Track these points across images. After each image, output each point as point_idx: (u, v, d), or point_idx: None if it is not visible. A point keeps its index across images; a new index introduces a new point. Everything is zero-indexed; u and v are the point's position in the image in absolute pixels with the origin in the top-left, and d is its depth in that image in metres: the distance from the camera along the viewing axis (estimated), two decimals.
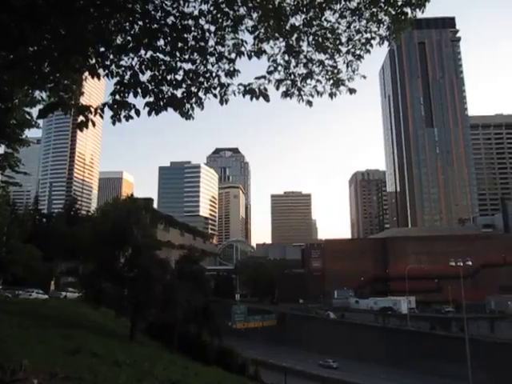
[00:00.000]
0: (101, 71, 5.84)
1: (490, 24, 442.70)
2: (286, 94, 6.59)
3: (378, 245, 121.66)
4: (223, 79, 6.11)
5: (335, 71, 6.50)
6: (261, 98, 6.11)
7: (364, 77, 6.56)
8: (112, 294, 26.78)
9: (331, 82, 6.51)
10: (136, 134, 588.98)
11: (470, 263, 64.70)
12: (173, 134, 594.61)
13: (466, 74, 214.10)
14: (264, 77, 6.23)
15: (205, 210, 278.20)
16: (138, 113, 5.66)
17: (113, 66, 5.74)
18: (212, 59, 6.07)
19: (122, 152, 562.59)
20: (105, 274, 26.85)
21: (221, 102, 6.21)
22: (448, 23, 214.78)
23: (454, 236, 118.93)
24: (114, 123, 5.65)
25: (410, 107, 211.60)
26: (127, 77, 5.69)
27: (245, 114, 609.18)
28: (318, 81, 6.53)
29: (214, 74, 6.11)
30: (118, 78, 5.70)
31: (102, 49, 5.80)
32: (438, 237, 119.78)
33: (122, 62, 5.73)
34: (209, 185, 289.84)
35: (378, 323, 79.47)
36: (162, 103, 5.78)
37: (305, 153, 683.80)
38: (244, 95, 6.07)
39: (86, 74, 6.15)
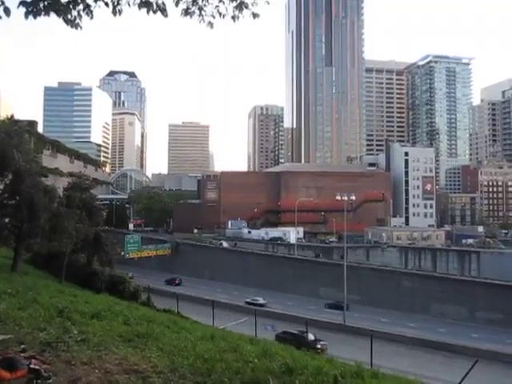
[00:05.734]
0: None
1: None
2: (186, 12, 6.08)
3: (272, 178, 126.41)
4: None
5: None
6: (159, 14, 5.62)
7: (268, 2, 6.31)
8: None
9: (234, 3, 6.16)
10: (17, 49, 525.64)
11: (353, 198, 70.38)
12: (61, 50, 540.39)
13: (367, 17, 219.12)
14: None
15: (97, 136, 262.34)
16: (7, 12, 4.82)
17: None
18: None
19: None
20: None
21: (114, 13, 5.56)
22: None
23: (342, 173, 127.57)
24: None
25: (311, 44, 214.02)
26: None
27: (144, 37, 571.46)
28: (220, 1, 6.14)
29: None
30: None
31: None
32: (327, 173, 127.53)
33: None
34: (102, 110, 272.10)
35: (267, 252, 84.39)
36: (42, 5, 5.01)
37: (206, 83, 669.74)
38: (140, 7, 5.52)
39: None
